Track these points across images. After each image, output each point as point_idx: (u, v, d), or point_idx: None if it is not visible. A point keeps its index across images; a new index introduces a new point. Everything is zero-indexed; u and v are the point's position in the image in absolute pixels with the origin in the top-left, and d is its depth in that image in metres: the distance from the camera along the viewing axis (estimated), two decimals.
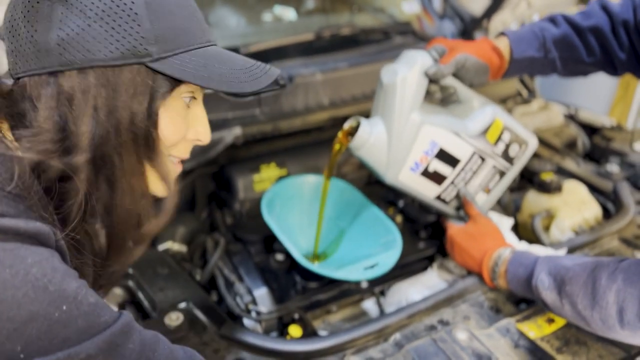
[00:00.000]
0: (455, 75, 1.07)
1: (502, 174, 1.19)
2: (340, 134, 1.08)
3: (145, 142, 0.62)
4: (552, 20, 1.10)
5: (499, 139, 1.13)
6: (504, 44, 1.09)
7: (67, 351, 0.48)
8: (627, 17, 1.01)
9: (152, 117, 0.62)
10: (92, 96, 0.58)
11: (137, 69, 0.59)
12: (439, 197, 1.15)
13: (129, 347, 0.53)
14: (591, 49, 1.07)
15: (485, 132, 1.11)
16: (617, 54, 1.04)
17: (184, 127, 0.68)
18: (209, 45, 0.67)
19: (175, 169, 0.73)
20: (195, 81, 0.62)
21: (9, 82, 0.62)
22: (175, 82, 0.63)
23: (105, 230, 0.66)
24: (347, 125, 1.08)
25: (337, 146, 1.09)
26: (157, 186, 0.69)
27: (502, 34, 1.11)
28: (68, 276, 0.52)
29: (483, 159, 1.13)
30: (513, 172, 1.20)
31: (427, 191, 1.13)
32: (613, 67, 1.08)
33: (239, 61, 0.68)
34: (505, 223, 1.20)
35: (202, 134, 0.72)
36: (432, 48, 1.07)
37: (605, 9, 1.05)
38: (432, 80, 1.04)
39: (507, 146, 1.15)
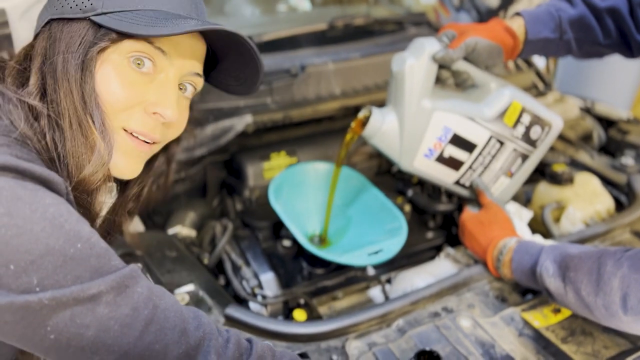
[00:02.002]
0: (468, 59, 1.06)
1: (524, 157, 1.17)
2: (353, 124, 1.09)
3: (82, 92, 0.64)
4: None
5: (517, 121, 1.11)
6: (518, 24, 1.06)
7: (79, 286, 0.51)
8: None
9: (88, 69, 0.64)
10: (42, 46, 0.68)
11: (84, 23, 0.66)
12: (457, 182, 1.15)
13: (137, 290, 0.56)
14: (608, 30, 1.04)
15: (502, 115, 1.09)
16: (634, 36, 1.01)
17: (130, 91, 0.66)
18: (171, 13, 0.66)
19: (132, 145, 0.70)
20: (121, 29, 0.63)
21: None
22: (118, 38, 0.65)
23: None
24: (360, 115, 1.08)
25: (349, 135, 1.09)
26: (120, 162, 0.70)
27: (518, 14, 1.08)
28: (82, 221, 0.56)
29: (502, 143, 1.11)
30: (537, 155, 1.18)
31: (444, 177, 1.13)
32: (629, 49, 1.05)
33: (175, 16, 0.67)
34: (524, 215, 1.18)
35: (160, 106, 0.68)
36: (442, 34, 1.05)
37: None
38: (442, 65, 1.03)
39: (528, 129, 1.13)
